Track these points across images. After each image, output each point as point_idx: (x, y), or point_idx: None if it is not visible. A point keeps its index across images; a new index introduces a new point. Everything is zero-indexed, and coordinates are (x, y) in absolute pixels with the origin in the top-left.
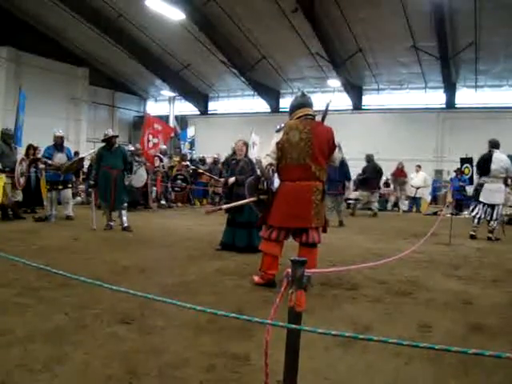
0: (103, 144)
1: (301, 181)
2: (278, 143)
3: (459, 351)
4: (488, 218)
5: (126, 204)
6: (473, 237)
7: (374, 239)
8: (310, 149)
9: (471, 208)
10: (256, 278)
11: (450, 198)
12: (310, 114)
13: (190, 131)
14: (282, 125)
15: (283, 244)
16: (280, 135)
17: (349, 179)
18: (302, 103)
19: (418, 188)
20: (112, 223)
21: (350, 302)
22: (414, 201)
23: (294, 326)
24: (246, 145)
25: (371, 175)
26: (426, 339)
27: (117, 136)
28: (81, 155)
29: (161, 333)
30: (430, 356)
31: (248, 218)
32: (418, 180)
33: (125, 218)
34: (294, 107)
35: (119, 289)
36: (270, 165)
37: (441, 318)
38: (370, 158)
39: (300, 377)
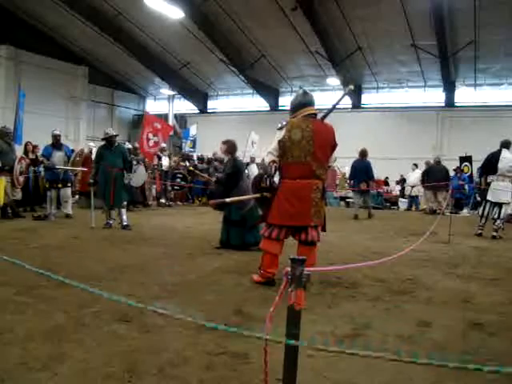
0: (103, 143)
1: (301, 179)
2: (279, 141)
3: (458, 367)
4: (495, 216)
5: (125, 202)
6: (480, 235)
7: (374, 238)
8: (311, 147)
9: (481, 207)
10: (255, 277)
11: (444, 197)
12: (313, 113)
13: (193, 129)
14: (284, 122)
15: (284, 243)
16: (282, 133)
17: (371, 178)
18: (305, 102)
19: (412, 186)
20: (111, 222)
21: (349, 300)
22: (412, 199)
23: (292, 341)
24: (228, 143)
25: (438, 176)
26: (425, 337)
27: (117, 135)
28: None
29: (160, 331)
30: (430, 355)
31: (241, 216)
32: (414, 178)
33: (124, 217)
34: (297, 106)
35: (111, 297)
36: (273, 162)
37: (440, 316)
38: (437, 160)
39: (299, 375)
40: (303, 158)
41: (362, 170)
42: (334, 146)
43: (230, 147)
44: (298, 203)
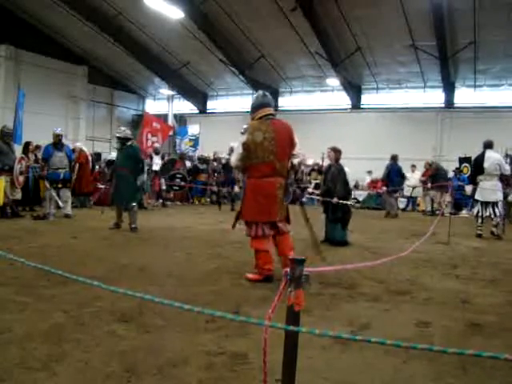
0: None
1: (267, 177)
2: (243, 144)
3: (456, 352)
4: (492, 216)
5: (133, 204)
6: (479, 236)
7: (373, 238)
8: (273, 147)
9: (472, 207)
10: (250, 276)
11: (449, 197)
12: (271, 114)
13: (192, 129)
14: (246, 126)
15: (270, 238)
16: (245, 136)
17: (403, 177)
18: (263, 103)
19: (414, 188)
20: (120, 223)
21: (348, 301)
22: (410, 200)
23: (291, 327)
24: (339, 152)
25: (441, 177)
26: (424, 338)
27: (123, 137)
28: None
29: (160, 331)
30: (428, 355)
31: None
32: (414, 180)
33: (134, 219)
34: (256, 107)
35: (117, 289)
36: (237, 167)
37: (439, 317)
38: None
39: (298, 376)
40: (266, 157)
41: (396, 172)
42: (293, 143)
43: (339, 155)
44: (264, 200)
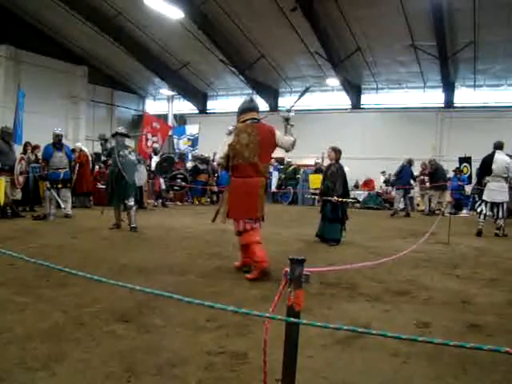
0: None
1: (251, 177)
2: (230, 144)
3: (457, 345)
4: (495, 216)
5: (131, 203)
6: (479, 233)
7: (373, 238)
8: (257, 149)
9: (477, 205)
10: (249, 276)
11: (448, 197)
12: (256, 118)
13: (191, 128)
14: (231, 128)
15: (258, 230)
16: (231, 137)
17: (414, 180)
18: (250, 108)
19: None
20: (119, 223)
21: (348, 301)
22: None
23: (292, 319)
24: (339, 152)
25: (441, 176)
26: (424, 338)
27: (115, 133)
28: None
29: (159, 331)
30: (428, 355)
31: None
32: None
33: (133, 219)
34: (244, 110)
35: (117, 283)
36: (220, 165)
37: (439, 317)
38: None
39: (298, 375)
40: (251, 158)
41: (408, 173)
42: (275, 145)
43: (339, 155)
44: (248, 198)
